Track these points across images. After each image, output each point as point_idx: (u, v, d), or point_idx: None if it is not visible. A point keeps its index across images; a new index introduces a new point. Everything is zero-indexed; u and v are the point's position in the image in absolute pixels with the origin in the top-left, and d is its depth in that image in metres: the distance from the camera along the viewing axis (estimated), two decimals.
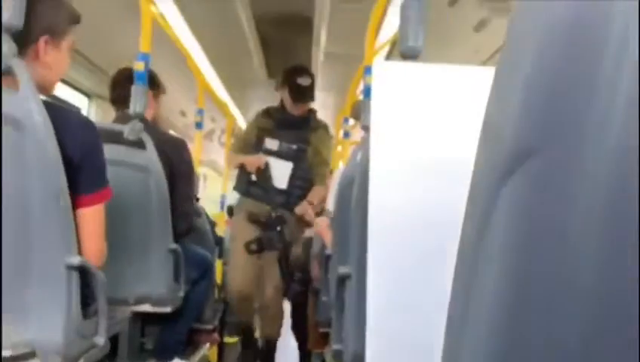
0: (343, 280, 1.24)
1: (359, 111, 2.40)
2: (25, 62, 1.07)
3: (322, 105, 5.00)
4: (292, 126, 2.56)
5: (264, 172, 2.52)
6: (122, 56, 2.18)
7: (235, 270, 2.58)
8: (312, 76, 2.57)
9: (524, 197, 0.25)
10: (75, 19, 1.22)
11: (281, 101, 2.59)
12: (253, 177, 2.54)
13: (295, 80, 2.50)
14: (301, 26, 3.19)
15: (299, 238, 2.55)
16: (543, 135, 0.25)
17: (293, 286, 2.76)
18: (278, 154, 2.54)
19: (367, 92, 1.78)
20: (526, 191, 0.25)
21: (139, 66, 1.74)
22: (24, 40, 1.09)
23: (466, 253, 0.30)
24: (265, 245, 2.50)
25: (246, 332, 2.76)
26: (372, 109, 0.98)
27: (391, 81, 0.97)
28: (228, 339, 3.18)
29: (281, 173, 2.53)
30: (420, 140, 0.97)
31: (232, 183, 2.84)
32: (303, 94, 2.52)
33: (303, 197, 2.54)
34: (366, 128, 1.51)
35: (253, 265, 2.54)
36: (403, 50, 1.10)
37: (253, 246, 2.50)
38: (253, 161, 2.52)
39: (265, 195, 2.53)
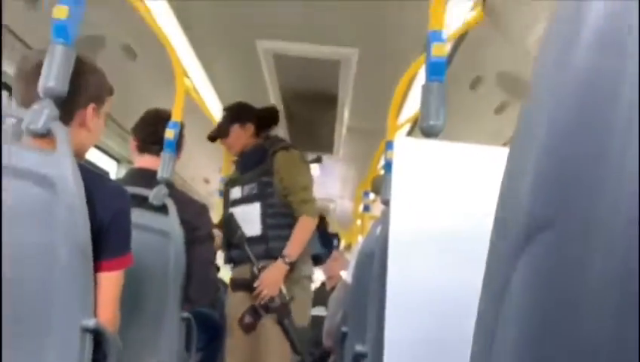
0: (358, 358, 1.20)
1: (379, 186, 2.38)
2: (71, 127, 1.17)
3: (344, 179, 5.07)
4: (252, 163, 2.27)
5: (230, 224, 2.23)
6: None
7: (231, 355, 2.20)
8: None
9: (541, 267, 0.25)
10: (111, 91, 1.34)
11: None
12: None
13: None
14: (326, 101, 3.31)
15: (295, 292, 2.16)
16: (556, 207, 0.25)
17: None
18: (243, 200, 2.24)
19: (388, 167, 1.80)
20: (542, 262, 0.25)
21: (169, 134, 1.80)
22: (73, 106, 1.20)
23: (483, 325, 0.30)
24: (260, 310, 2.11)
25: None
26: (393, 184, 0.99)
27: (412, 157, 0.99)
28: None
29: (250, 218, 2.19)
30: (439, 216, 0.97)
31: None
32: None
33: (284, 238, 2.15)
34: (386, 202, 1.52)
35: (250, 344, 2.13)
36: (424, 128, 1.13)
37: (248, 319, 2.11)
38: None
39: (242, 252, 2.16)
